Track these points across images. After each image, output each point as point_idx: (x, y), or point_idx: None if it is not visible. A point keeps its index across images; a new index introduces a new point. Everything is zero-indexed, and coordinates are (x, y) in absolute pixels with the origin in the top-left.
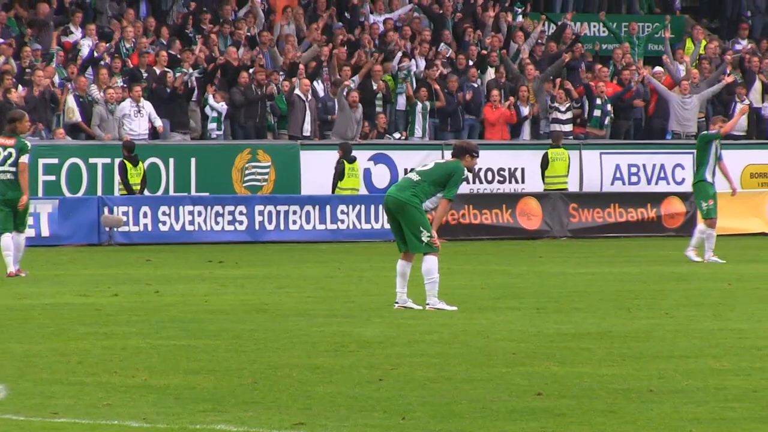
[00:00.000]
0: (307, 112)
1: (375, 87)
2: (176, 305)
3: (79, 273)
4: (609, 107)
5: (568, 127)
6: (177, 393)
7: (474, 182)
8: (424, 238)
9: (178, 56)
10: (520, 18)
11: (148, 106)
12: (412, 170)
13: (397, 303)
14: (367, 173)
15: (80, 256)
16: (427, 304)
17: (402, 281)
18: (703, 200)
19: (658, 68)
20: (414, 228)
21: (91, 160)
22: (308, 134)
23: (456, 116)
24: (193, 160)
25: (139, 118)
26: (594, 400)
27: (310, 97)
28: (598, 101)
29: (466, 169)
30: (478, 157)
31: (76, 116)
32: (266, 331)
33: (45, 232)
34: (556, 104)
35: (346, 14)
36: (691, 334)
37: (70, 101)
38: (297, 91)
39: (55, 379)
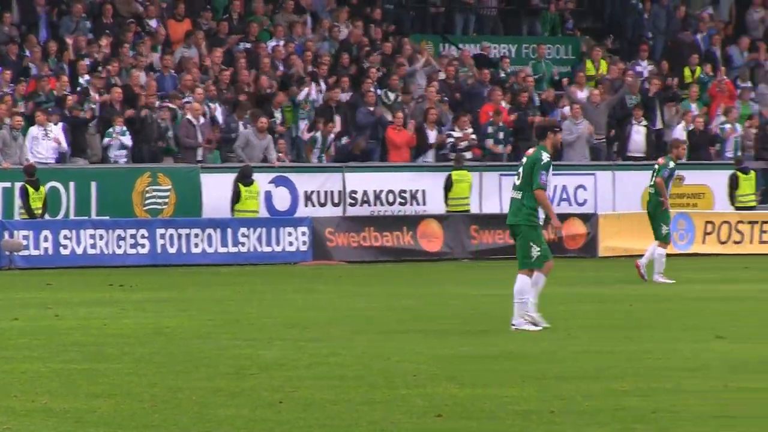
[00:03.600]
0: (199, 136)
1: (276, 115)
2: (77, 329)
3: None
4: (501, 134)
5: (468, 154)
6: (77, 417)
7: (375, 204)
8: (534, 253)
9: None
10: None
11: (56, 129)
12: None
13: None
14: (268, 196)
15: None
16: (513, 325)
17: (534, 291)
18: (664, 224)
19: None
20: (525, 244)
21: None
22: (200, 158)
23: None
24: (93, 184)
25: (46, 141)
26: (495, 422)
27: (202, 120)
28: (490, 129)
29: (552, 147)
30: (561, 130)
31: None
32: (167, 354)
33: None
34: (453, 132)
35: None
36: (594, 355)
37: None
38: (188, 116)
39: None
